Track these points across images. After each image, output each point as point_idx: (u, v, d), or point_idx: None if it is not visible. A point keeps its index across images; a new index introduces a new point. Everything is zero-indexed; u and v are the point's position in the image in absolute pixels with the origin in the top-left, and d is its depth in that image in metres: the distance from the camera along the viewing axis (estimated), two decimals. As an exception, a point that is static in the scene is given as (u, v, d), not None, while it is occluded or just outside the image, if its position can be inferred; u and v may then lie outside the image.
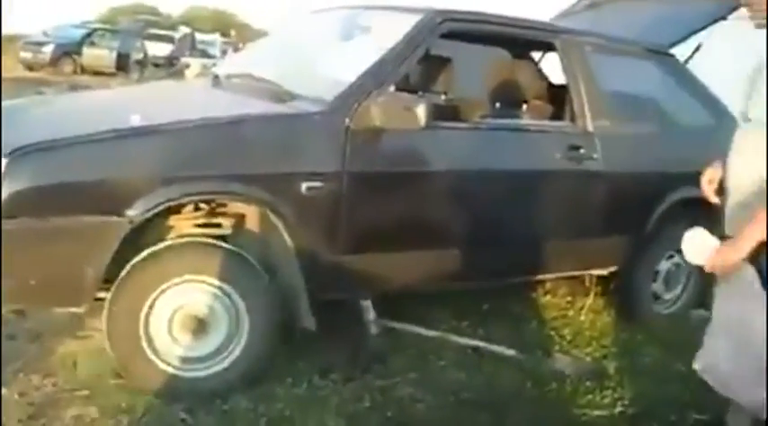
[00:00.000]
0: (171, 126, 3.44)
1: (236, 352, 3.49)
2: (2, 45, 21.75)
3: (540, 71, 5.37)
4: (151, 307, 3.35)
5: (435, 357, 4.09)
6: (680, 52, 5.13)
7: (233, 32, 35.36)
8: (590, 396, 3.85)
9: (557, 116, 4.77)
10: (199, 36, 34.14)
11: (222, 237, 3.51)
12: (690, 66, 5.18)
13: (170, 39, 31.20)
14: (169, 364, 3.42)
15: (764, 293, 2.88)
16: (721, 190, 3.18)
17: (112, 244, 3.18)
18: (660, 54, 5.01)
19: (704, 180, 3.30)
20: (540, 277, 4.78)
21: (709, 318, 3.19)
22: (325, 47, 4.64)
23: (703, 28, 4.78)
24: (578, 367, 4.13)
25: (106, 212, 3.16)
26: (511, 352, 4.20)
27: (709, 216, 3.27)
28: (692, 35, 5.04)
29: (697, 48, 5.04)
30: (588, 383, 3.96)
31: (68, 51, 26.26)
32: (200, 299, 3.43)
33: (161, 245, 3.35)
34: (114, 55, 26.97)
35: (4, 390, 3.34)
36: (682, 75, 5.06)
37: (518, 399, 3.76)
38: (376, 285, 3.89)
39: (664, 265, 4.88)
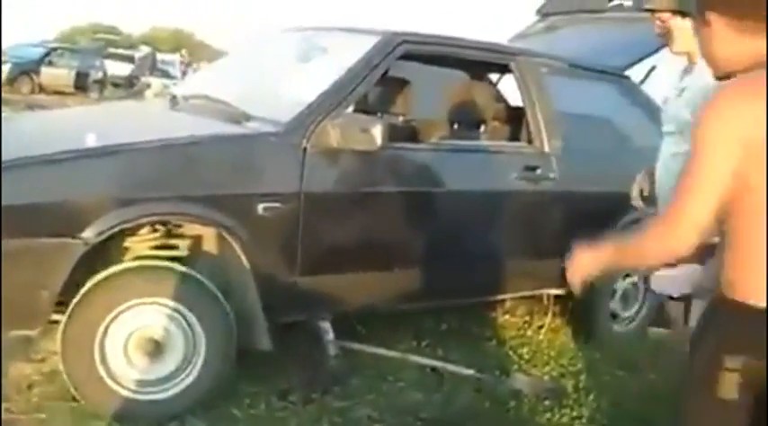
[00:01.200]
0: (127, 147, 3.43)
1: (193, 375, 3.47)
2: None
3: (497, 92, 5.41)
4: (106, 330, 3.32)
5: (394, 377, 4.08)
6: (635, 74, 5.20)
7: (183, 51, 34.89)
8: (548, 415, 3.87)
9: (514, 137, 4.81)
10: (159, 56, 34.00)
11: (178, 259, 3.49)
12: (644, 87, 5.25)
13: (130, 59, 31.02)
14: (125, 387, 3.38)
15: None
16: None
17: (67, 266, 3.15)
18: (615, 76, 5.08)
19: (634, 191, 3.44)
20: (499, 297, 4.81)
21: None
22: (283, 68, 4.64)
23: (657, 50, 4.83)
24: (537, 386, 4.14)
25: (61, 234, 3.14)
26: (469, 372, 4.20)
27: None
28: (647, 57, 5.10)
29: (651, 70, 5.11)
30: (546, 402, 3.98)
31: (26, 70, 25.94)
32: (156, 322, 3.40)
33: (116, 268, 3.32)
34: (73, 74, 26.74)
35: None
36: (636, 96, 5.13)
37: (477, 418, 3.77)
38: (334, 306, 3.89)
39: (621, 284, 4.92)
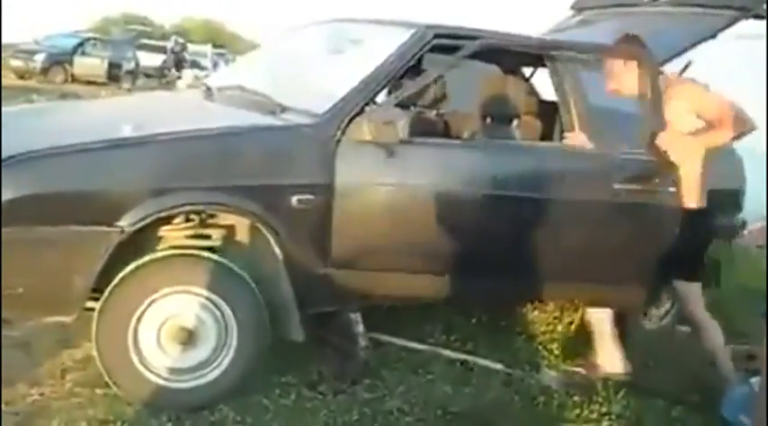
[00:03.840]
0: (162, 137, 3.45)
1: (225, 364, 3.50)
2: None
3: (530, 87, 5.38)
4: (140, 318, 3.36)
5: (424, 370, 4.10)
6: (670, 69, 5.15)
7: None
8: (577, 411, 3.87)
9: (547, 133, 4.78)
10: (190, 47, 34.10)
11: (212, 249, 3.51)
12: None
13: (162, 50, 31.15)
14: (157, 374, 3.43)
15: None
16: None
17: (103, 254, 3.19)
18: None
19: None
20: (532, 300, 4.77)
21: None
22: (317, 60, 4.64)
23: (693, 46, 4.79)
24: (565, 381, 4.14)
25: (97, 222, 3.18)
26: (499, 366, 4.21)
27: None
28: (683, 52, 5.05)
29: (686, 66, 5.05)
30: (576, 397, 3.98)
31: (60, 60, 26.13)
32: (189, 310, 3.44)
33: (151, 256, 3.35)
34: (106, 64, 26.91)
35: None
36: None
37: (505, 413, 3.78)
38: (366, 298, 3.88)
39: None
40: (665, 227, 4.11)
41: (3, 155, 3.11)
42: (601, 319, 4.21)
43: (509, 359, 4.30)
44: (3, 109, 4.58)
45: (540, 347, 4.62)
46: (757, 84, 3.86)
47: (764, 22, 4.92)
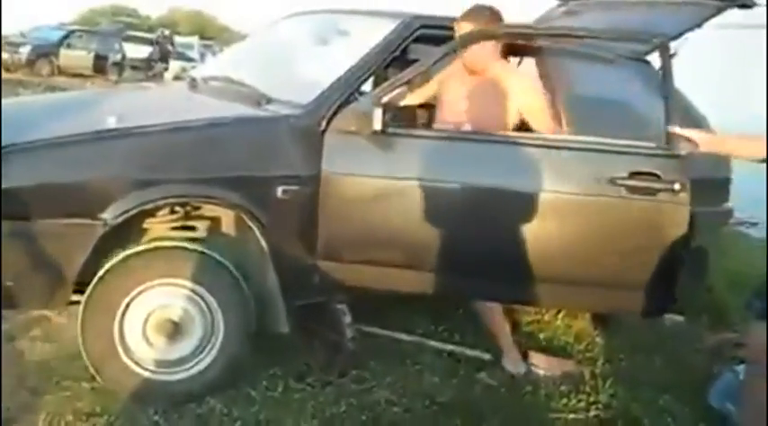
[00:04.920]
0: (147, 128, 3.44)
1: (211, 356, 3.50)
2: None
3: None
4: (125, 310, 3.36)
5: (411, 361, 4.09)
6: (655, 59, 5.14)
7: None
8: (565, 400, 3.87)
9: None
10: (177, 39, 34.00)
11: (197, 240, 3.50)
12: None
13: (149, 42, 31.03)
14: (144, 367, 3.43)
15: None
16: None
17: (87, 247, 3.18)
18: (636, 61, 5.01)
19: None
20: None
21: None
22: (302, 50, 4.63)
23: (679, 35, 4.78)
24: (553, 365, 4.17)
25: (81, 215, 3.17)
26: (486, 356, 4.21)
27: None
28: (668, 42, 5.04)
29: (672, 56, 5.06)
30: (563, 387, 3.99)
31: (46, 52, 26.01)
32: (175, 303, 3.43)
33: (136, 249, 3.34)
34: (92, 56, 26.80)
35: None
36: (657, 83, 5.06)
37: (493, 403, 3.78)
38: (353, 289, 3.87)
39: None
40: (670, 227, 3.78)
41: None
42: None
43: (496, 348, 4.28)
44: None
45: (528, 337, 4.62)
46: (743, 73, 3.83)
47: (746, 11, 4.91)
